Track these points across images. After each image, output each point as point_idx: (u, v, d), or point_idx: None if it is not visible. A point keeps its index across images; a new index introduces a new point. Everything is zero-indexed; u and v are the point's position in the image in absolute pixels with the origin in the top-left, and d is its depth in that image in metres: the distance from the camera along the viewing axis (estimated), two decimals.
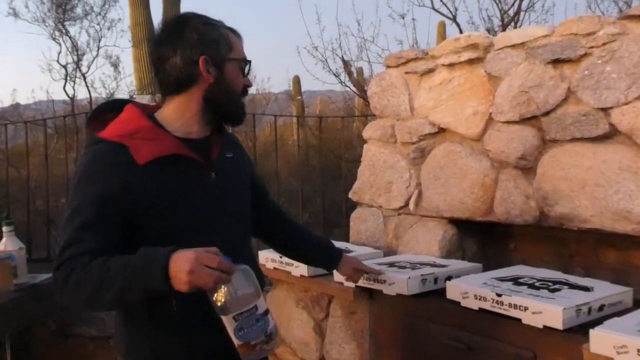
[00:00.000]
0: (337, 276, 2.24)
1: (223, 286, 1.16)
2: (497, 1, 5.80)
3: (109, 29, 7.96)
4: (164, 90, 1.41)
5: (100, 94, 8.26)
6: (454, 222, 2.42)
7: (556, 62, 2.03)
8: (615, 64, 1.87)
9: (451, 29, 6.56)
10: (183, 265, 1.12)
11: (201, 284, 1.13)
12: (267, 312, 1.22)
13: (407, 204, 2.54)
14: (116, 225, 1.26)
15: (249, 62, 1.45)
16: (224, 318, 1.19)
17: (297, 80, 11.09)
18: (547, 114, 2.06)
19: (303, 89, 11.24)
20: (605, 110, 1.90)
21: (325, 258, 1.89)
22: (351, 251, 2.49)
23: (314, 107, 13.71)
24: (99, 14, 7.94)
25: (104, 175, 1.27)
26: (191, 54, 1.34)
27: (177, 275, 1.13)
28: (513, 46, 2.17)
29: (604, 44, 1.91)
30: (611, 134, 1.90)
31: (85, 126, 1.48)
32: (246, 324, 1.18)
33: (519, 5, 5.57)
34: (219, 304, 1.17)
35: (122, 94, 8.01)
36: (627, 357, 1.35)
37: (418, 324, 1.99)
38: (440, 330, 1.91)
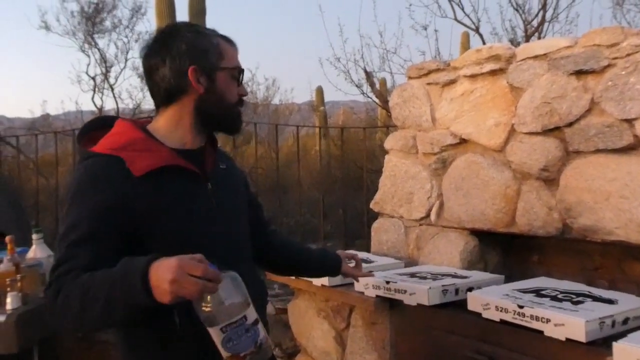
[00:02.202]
0: (358, 286, 2.24)
1: (209, 296, 1.08)
2: (521, 12, 5.78)
3: (136, 41, 8.13)
4: (155, 101, 1.39)
5: (127, 104, 8.43)
6: (476, 233, 2.41)
7: (579, 73, 2.02)
8: (639, 75, 1.86)
9: (475, 39, 6.55)
10: (165, 274, 1.04)
11: (185, 294, 1.05)
12: (257, 321, 1.15)
13: (428, 215, 2.54)
14: (112, 239, 1.21)
15: (242, 70, 1.41)
16: (210, 330, 1.11)
17: (320, 91, 11.14)
18: (570, 125, 2.05)
19: (326, 99, 11.30)
20: (629, 121, 1.89)
21: (326, 268, 1.86)
22: (373, 261, 2.50)
23: (337, 117, 13.76)
24: (127, 26, 8.12)
25: (99, 188, 1.22)
26: (180, 64, 1.32)
27: (158, 285, 1.05)
28: (535, 57, 2.16)
29: (628, 54, 1.90)
30: (636, 145, 1.88)
31: (76, 143, 1.43)
32: (235, 335, 1.11)
33: (543, 17, 5.53)
34: (205, 315, 1.09)
35: (148, 105, 8.14)
36: None
37: (439, 335, 1.99)
38: (461, 341, 1.90)
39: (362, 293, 2.25)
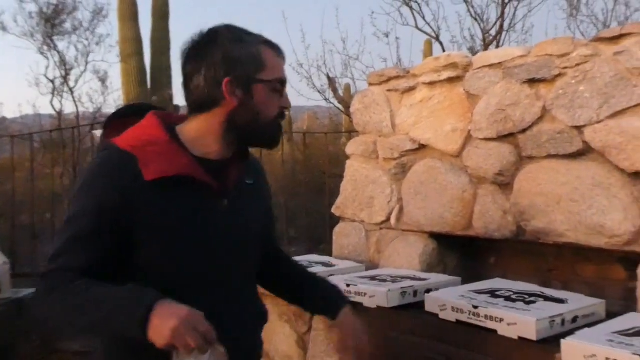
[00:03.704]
0: None
1: (200, 357, 1.05)
2: (479, 21, 5.94)
3: (97, 44, 7.97)
4: (189, 108, 1.31)
5: (88, 108, 8.26)
6: (435, 236, 2.47)
7: (532, 81, 2.10)
8: (588, 84, 1.95)
9: (437, 47, 6.69)
10: (169, 320, 1.03)
11: (180, 346, 1.03)
12: None
13: (388, 219, 2.59)
14: (110, 241, 1.17)
15: (285, 81, 1.32)
16: None
17: None
18: (523, 131, 2.12)
19: (293, 104, 11.32)
20: (578, 128, 1.97)
21: (323, 306, 1.57)
22: (334, 265, 2.53)
23: (302, 122, 13.79)
24: (88, 29, 7.97)
25: (105, 185, 1.18)
26: (215, 75, 1.24)
27: (158, 326, 1.03)
28: (491, 66, 2.24)
29: (578, 64, 1.98)
30: (585, 151, 1.97)
31: (102, 128, 1.35)
32: None
33: (501, 26, 5.70)
34: None
35: (109, 109, 8.01)
36: None
37: (398, 336, 2.02)
38: (419, 342, 1.94)
39: None
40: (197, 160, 1.25)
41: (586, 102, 1.95)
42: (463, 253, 2.56)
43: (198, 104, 1.28)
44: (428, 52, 7.52)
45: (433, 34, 6.10)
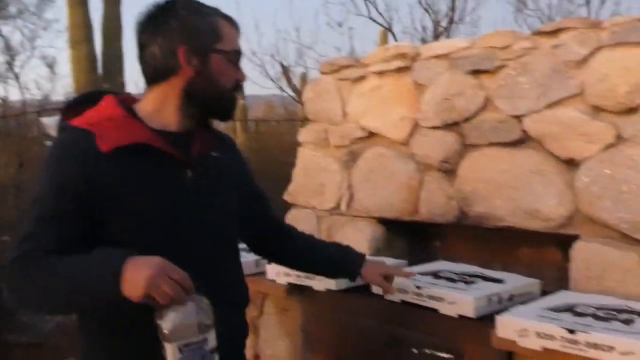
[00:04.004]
0: (270, 274, 2.31)
1: (174, 309, 1.04)
2: (430, 13, 6.07)
3: (44, 29, 7.76)
4: (145, 79, 1.31)
5: (35, 95, 8.02)
6: (383, 221, 2.54)
7: (476, 72, 2.18)
8: (528, 75, 2.04)
9: (392, 38, 6.79)
10: (143, 269, 1.02)
11: (157, 296, 1.02)
12: (216, 349, 1.09)
13: (339, 205, 2.65)
14: (77, 218, 1.16)
15: (240, 54, 1.33)
16: (167, 345, 1.05)
17: None
18: (467, 120, 2.21)
19: (248, 93, 11.27)
20: (518, 117, 2.07)
21: (342, 268, 1.73)
22: None
23: (258, 110, 13.74)
24: (34, 13, 7.73)
25: (64, 164, 1.18)
26: (171, 44, 1.24)
27: (132, 279, 1.02)
28: (437, 56, 2.31)
29: (518, 57, 2.07)
30: (524, 140, 2.07)
31: (60, 114, 1.35)
32: (191, 358, 1.05)
33: (451, 18, 5.84)
34: (165, 329, 1.04)
35: (57, 96, 7.80)
36: (527, 340, 1.49)
37: (346, 318, 2.09)
38: (366, 324, 2.01)
39: (274, 281, 2.32)
40: (157, 133, 1.25)
41: (525, 92, 2.04)
42: (411, 237, 2.64)
43: (154, 74, 1.28)
44: (384, 42, 7.62)
45: (386, 24, 6.19)
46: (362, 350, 2.03)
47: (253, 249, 1.69)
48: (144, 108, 1.30)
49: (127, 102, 1.32)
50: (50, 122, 3.80)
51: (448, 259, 2.42)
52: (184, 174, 1.27)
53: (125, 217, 1.20)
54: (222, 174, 1.36)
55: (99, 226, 1.18)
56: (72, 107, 1.31)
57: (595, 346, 1.37)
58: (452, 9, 5.67)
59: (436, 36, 5.69)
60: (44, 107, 7.04)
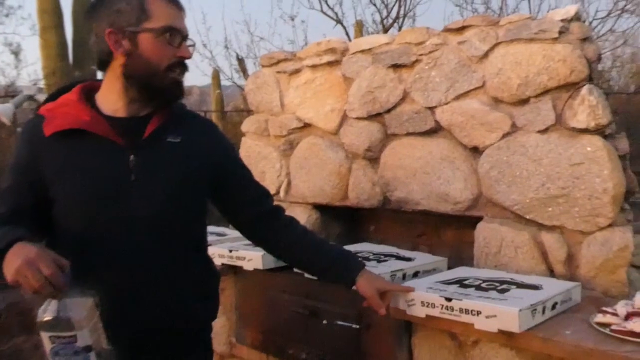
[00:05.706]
0: None
1: (47, 303, 1.09)
2: (377, 7, 6.23)
3: (6, 15, 7.69)
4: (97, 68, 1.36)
5: None
6: (318, 207, 2.71)
7: (395, 66, 2.35)
8: (438, 69, 2.21)
9: (368, 30, 6.90)
10: (17, 259, 1.08)
11: (24, 286, 1.07)
12: (89, 348, 1.11)
13: (278, 192, 2.81)
14: (29, 194, 1.27)
15: (177, 30, 1.28)
16: (42, 334, 1.11)
17: (216, 75, 11.16)
18: (388, 111, 2.37)
19: (228, 83, 11.31)
20: (431, 109, 2.24)
21: (336, 272, 1.60)
22: (227, 235, 2.73)
23: (238, 101, 13.82)
24: None
25: (20, 145, 1.31)
26: (100, 29, 1.25)
27: (7, 264, 1.10)
28: (362, 51, 2.47)
29: (430, 52, 2.24)
30: (436, 129, 2.24)
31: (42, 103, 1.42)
32: (63, 351, 1.10)
33: (398, 12, 6.00)
34: (38, 317, 1.10)
35: (23, 83, 7.80)
36: (414, 308, 1.66)
37: (273, 295, 2.26)
38: (290, 299, 2.18)
39: None
40: (106, 118, 1.29)
41: (436, 85, 2.21)
42: (345, 222, 2.81)
43: (99, 62, 1.31)
44: (358, 34, 7.77)
45: (336, 18, 6.35)
46: (286, 323, 2.20)
47: (245, 235, 1.62)
48: (99, 95, 1.34)
49: (93, 89, 1.35)
50: (1, 110, 3.89)
51: (380, 242, 2.59)
52: (126, 159, 1.27)
53: (61, 199, 1.27)
54: (177, 158, 1.33)
55: (48, 205, 1.28)
56: (55, 97, 1.37)
57: (466, 311, 1.54)
58: (399, 2, 5.84)
59: (385, 30, 5.84)
60: (8, 94, 7.03)
